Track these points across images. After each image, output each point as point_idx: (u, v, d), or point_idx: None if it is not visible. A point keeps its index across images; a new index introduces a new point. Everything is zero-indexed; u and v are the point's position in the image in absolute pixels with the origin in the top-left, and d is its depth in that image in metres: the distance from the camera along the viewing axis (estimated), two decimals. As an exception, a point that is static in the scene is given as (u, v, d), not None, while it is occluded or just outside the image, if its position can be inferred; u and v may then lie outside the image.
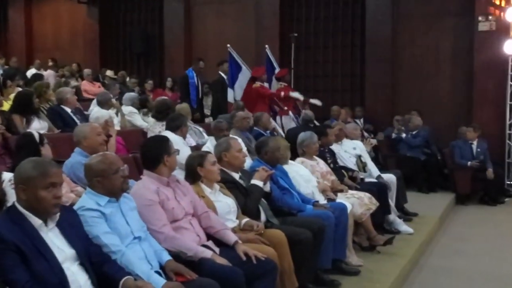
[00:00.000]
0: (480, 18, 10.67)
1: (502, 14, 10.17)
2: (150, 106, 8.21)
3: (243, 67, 9.64)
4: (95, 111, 6.73)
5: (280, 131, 8.48)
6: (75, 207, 3.10)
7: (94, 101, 7.77)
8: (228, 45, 9.64)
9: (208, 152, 4.25)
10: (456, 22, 11.20)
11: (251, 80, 9.33)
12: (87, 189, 3.23)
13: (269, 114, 8.43)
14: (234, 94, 9.50)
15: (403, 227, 6.54)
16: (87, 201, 3.13)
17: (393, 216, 6.56)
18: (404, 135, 9.98)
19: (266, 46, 10.38)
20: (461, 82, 11.17)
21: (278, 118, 9.32)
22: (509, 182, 10.38)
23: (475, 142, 9.50)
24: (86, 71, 11.61)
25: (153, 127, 6.56)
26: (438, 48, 11.35)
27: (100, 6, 14.20)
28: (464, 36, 11.07)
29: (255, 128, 7.56)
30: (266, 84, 9.35)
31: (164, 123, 6.22)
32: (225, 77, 9.87)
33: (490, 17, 10.59)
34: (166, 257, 3.21)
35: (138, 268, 2.98)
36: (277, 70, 10.22)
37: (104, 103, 7.10)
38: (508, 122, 10.47)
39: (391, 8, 11.54)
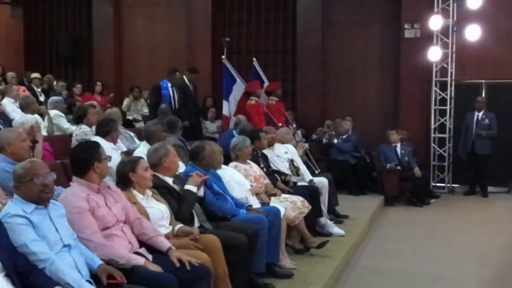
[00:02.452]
0: (406, 26, 11.08)
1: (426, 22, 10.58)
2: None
3: (237, 80, 9.19)
4: (19, 116, 6.46)
5: None
6: (0, 215, 2.96)
7: (5, 100, 7.56)
8: (223, 57, 9.18)
9: (141, 158, 4.17)
10: (383, 29, 11.58)
11: (246, 94, 8.90)
12: (14, 196, 3.11)
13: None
14: (229, 107, 9.05)
15: (335, 229, 6.65)
16: (12, 208, 3.00)
17: (324, 219, 6.66)
18: (335, 140, 10.14)
19: (254, 59, 9.84)
20: (388, 87, 11.54)
21: None
22: (434, 184, 10.82)
23: (398, 145, 9.82)
24: (10, 74, 11.14)
25: (74, 132, 6.39)
26: (366, 54, 11.69)
27: (24, 6, 13.69)
28: (390, 43, 11.46)
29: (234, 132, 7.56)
30: (261, 98, 8.83)
31: (82, 126, 6.12)
32: (188, 84, 9.38)
33: (415, 25, 11.01)
34: (98, 261, 3.14)
35: (69, 276, 2.89)
36: (266, 83, 9.73)
37: (26, 107, 6.84)
38: (433, 126, 10.91)
39: (320, 15, 11.78)
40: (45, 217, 3.05)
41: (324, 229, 6.59)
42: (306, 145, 8.31)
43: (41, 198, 3.07)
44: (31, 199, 3.05)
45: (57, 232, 3.05)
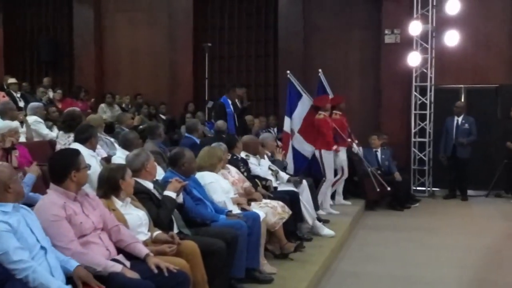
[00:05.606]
0: (386, 31, 11.18)
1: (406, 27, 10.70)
2: (52, 117, 7.94)
3: (303, 95, 8.83)
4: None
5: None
6: None
7: None
8: (288, 72, 8.93)
9: (125, 165, 4.17)
10: (364, 35, 11.68)
11: (313, 109, 8.60)
12: None
13: (333, 145, 8.21)
14: (291, 123, 8.72)
15: (324, 231, 6.71)
16: None
17: (312, 221, 6.73)
18: None
19: (320, 70, 9.39)
20: (369, 92, 11.63)
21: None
22: (415, 188, 10.91)
23: (379, 150, 9.89)
24: (-10, 79, 11.08)
25: (60, 139, 6.31)
26: (347, 59, 11.78)
27: (4, 11, 13.58)
28: (371, 48, 11.56)
29: (187, 135, 7.66)
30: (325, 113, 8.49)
31: (71, 134, 6.01)
32: (237, 102, 9.07)
33: (395, 30, 11.12)
34: (75, 263, 3.13)
35: (52, 283, 2.90)
36: (330, 96, 9.30)
37: (4, 113, 6.76)
38: (413, 131, 11.01)
39: (302, 20, 11.86)
40: (21, 218, 3.05)
41: (314, 230, 6.67)
42: (287, 150, 8.35)
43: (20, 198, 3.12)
44: (12, 199, 3.06)
45: (33, 234, 3.05)
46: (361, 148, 9.67)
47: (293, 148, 8.61)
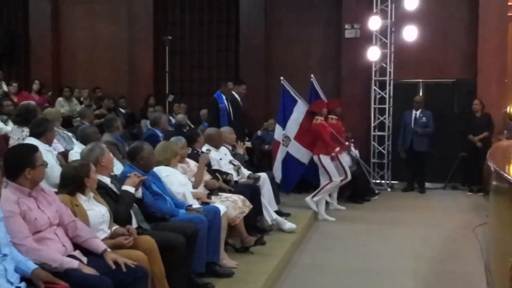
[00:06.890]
0: (346, 26, 11.27)
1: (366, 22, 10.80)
2: (6, 111, 7.75)
3: (298, 101, 8.67)
4: None
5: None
6: None
7: None
8: (282, 78, 8.76)
9: (88, 162, 4.09)
10: (324, 30, 11.75)
11: (309, 114, 8.52)
12: None
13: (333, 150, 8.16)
14: (284, 131, 8.64)
15: (286, 225, 6.72)
16: None
17: (275, 215, 6.76)
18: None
19: (312, 75, 9.29)
20: (330, 87, 11.62)
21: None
22: (374, 181, 11.05)
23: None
24: None
25: (14, 133, 6.14)
26: (309, 54, 11.83)
27: (-44, 2, 13.17)
28: (332, 43, 11.64)
29: (150, 127, 7.72)
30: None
31: (25, 129, 5.86)
32: (238, 98, 8.71)
33: (355, 25, 11.22)
34: (32, 265, 3.05)
35: None
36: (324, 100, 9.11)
37: None
38: (372, 124, 11.14)
39: (263, 15, 11.86)
40: None
41: (276, 225, 6.68)
42: (249, 144, 8.34)
43: None
44: None
45: None
46: (357, 152, 9.74)
47: (288, 155, 8.59)
